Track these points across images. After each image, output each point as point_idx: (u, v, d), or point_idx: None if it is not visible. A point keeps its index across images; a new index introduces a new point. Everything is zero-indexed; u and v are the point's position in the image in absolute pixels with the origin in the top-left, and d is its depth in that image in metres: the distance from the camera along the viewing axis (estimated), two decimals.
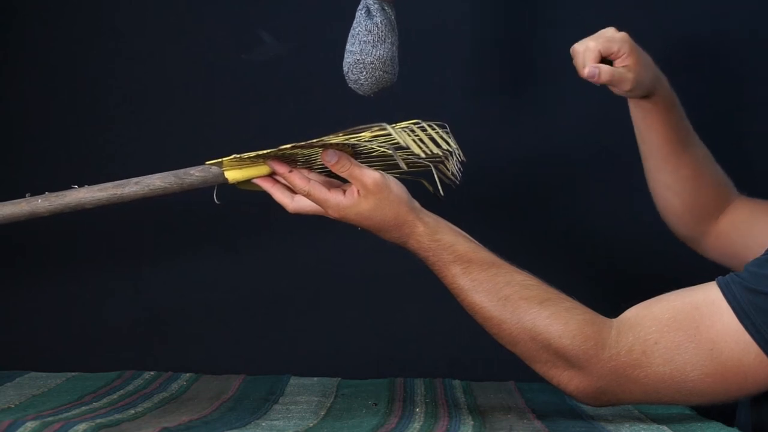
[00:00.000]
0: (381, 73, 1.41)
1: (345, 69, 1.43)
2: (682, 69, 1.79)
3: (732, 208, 1.50)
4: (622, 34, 1.42)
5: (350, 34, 1.43)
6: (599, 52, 1.41)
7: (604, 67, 1.40)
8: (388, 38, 1.41)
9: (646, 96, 1.45)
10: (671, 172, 1.48)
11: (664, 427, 1.30)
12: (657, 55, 1.76)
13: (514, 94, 1.83)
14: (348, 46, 1.42)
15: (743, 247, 1.45)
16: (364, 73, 1.41)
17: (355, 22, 1.43)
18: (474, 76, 1.83)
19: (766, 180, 1.79)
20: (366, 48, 1.40)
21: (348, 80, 1.43)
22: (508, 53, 1.83)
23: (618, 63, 1.41)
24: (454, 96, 1.82)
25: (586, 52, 1.41)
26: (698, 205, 1.49)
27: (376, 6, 1.41)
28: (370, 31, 1.40)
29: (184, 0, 1.84)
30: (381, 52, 1.40)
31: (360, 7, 1.43)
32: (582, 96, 1.81)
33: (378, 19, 1.41)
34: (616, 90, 1.43)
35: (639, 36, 1.80)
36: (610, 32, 1.42)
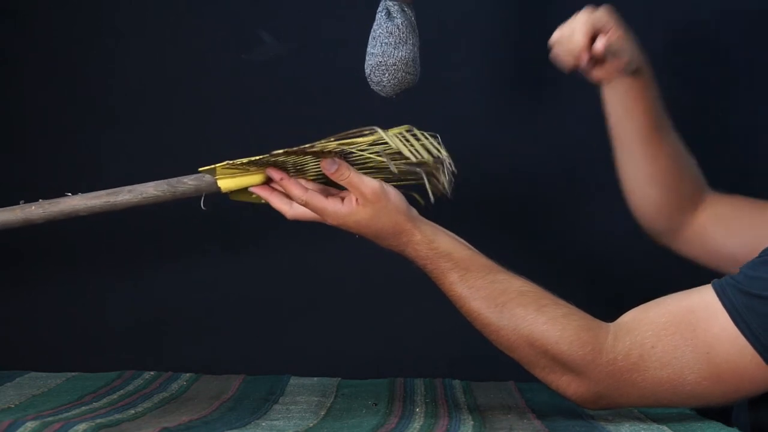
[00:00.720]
0: (403, 74, 1.41)
1: (367, 71, 1.43)
2: (681, 64, 1.80)
3: (710, 202, 1.48)
4: (603, 9, 1.39)
5: (371, 36, 1.43)
6: (590, 30, 1.37)
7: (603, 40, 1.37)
8: (410, 39, 1.42)
9: (632, 73, 1.41)
10: (651, 161, 1.45)
11: (664, 427, 1.30)
12: (659, 53, 1.76)
13: (513, 99, 1.83)
14: (369, 48, 1.43)
15: (722, 243, 1.44)
16: (387, 75, 1.41)
17: (375, 24, 1.43)
18: (475, 77, 1.83)
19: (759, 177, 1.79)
20: (388, 50, 1.41)
21: (370, 82, 1.43)
22: (512, 55, 1.83)
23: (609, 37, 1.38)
24: (455, 98, 1.82)
25: (574, 34, 1.38)
26: (678, 196, 1.47)
27: (396, 7, 1.42)
28: (391, 33, 1.41)
29: (184, 0, 1.84)
30: (403, 53, 1.41)
31: (380, 9, 1.43)
32: (582, 99, 1.81)
33: (399, 21, 1.41)
34: (609, 68, 1.40)
35: (645, 35, 1.81)
36: (588, 12, 1.39)
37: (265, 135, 1.80)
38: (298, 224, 1.77)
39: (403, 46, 1.41)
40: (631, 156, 1.46)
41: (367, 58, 1.43)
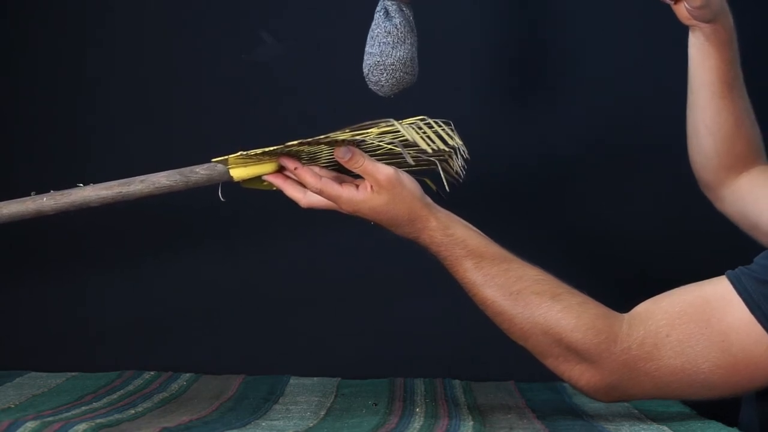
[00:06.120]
0: (401, 74, 1.42)
1: (365, 71, 1.43)
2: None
3: (759, 170, 1.47)
4: None
5: (369, 36, 1.43)
6: None
7: None
8: (408, 39, 1.42)
9: (709, 21, 1.40)
10: (712, 113, 1.45)
11: (664, 427, 1.30)
12: (665, 53, 1.76)
13: (518, 96, 1.83)
14: (367, 48, 1.43)
15: (753, 211, 1.44)
16: (385, 74, 1.41)
17: (373, 23, 1.43)
18: (477, 76, 1.83)
19: None
20: (386, 50, 1.41)
21: (368, 82, 1.43)
22: (511, 54, 1.83)
23: None
24: (454, 98, 1.82)
25: None
26: (727, 153, 1.46)
27: (394, 7, 1.42)
28: (389, 33, 1.41)
29: (184, 0, 1.84)
30: (401, 53, 1.41)
31: (378, 8, 1.43)
32: (586, 96, 1.82)
33: (397, 21, 1.41)
34: (686, 6, 1.39)
35: (644, 35, 1.81)
36: None
37: (264, 135, 1.79)
38: (298, 225, 1.78)
39: (401, 45, 1.41)
40: (697, 102, 1.46)
41: (365, 57, 1.43)
